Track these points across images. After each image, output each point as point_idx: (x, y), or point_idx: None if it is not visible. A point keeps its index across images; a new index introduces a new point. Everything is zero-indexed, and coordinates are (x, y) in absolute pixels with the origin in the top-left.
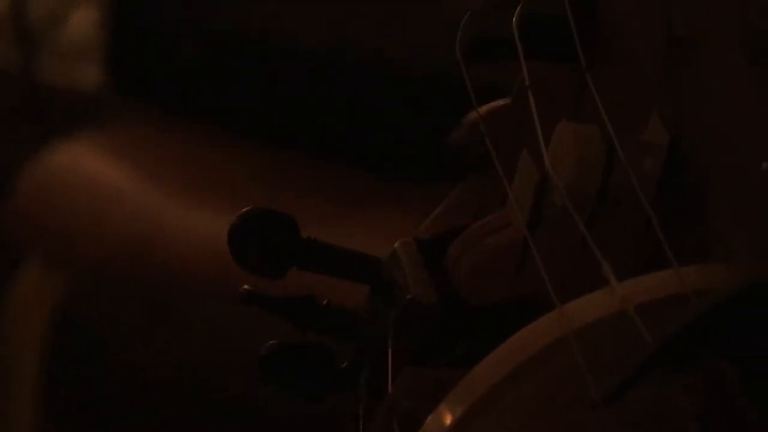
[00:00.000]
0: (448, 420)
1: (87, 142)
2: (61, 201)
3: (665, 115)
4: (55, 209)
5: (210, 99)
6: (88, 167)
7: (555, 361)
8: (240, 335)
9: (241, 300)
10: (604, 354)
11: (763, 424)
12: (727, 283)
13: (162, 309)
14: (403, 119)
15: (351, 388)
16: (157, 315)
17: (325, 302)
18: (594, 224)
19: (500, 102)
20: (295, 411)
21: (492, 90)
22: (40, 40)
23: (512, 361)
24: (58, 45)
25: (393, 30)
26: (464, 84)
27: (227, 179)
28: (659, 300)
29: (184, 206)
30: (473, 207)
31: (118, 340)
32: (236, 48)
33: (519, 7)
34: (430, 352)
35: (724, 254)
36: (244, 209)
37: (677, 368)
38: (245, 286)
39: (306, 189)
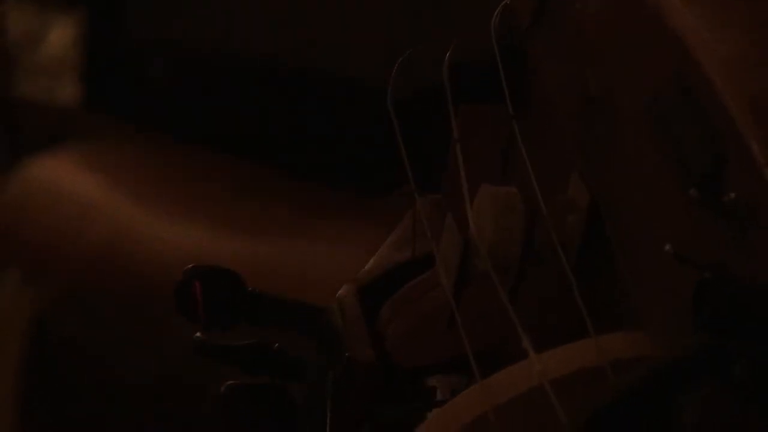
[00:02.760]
0: None
1: (63, 157)
2: (37, 215)
3: (585, 173)
4: (32, 223)
5: (183, 114)
6: (64, 181)
7: None
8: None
9: (193, 349)
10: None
11: None
12: (642, 352)
13: (138, 319)
14: (368, 134)
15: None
16: (134, 325)
17: (275, 347)
18: (518, 284)
19: None
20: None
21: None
22: (18, 58)
23: None
24: (35, 63)
25: (361, 48)
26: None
27: (200, 192)
28: (577, 373)
29: (158, 218)
30: (412, 241)
31: (96, 351)
32: (209, 64)
33: (448, 55)
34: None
35: (640, 321)
36: (189, 266)
37: None
38: (197, 335)
39: (275, 201)
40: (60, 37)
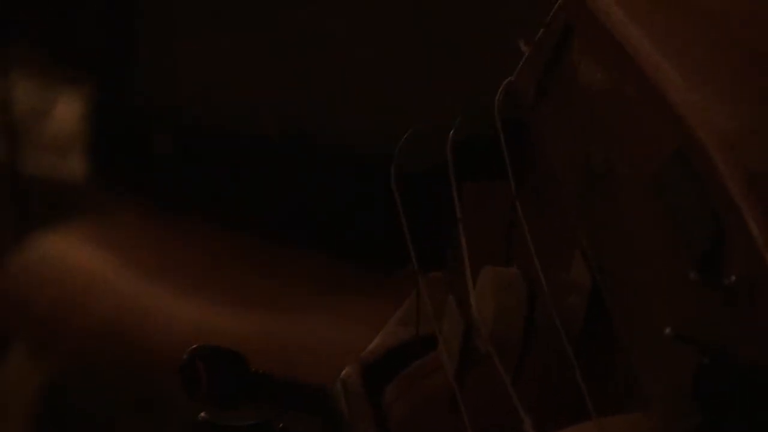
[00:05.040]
0: None
1: (70, 232)
2: (44, 288)
3: (588, 250)
4: (39, 296)
5: (190, 188)
6: (71, 256)
7: None
8: None
9: (197, 429)
10: None
11: None
12: None
13: (143, 394)
14: (376, 208)
15: None
16: (138, 399)
17: (279, 427)
18: (520, 365)
19: None
20: None
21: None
22: (25, 133)
23: None
24: (41, 137)
25: (368, 123)
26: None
27: (207, 267)
28: None
29: (165, 293)
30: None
31: (100, 425)
32: (216, 139)
33: (452, 132)
34: None
35: (643, 401)
36: (194, 346)
37: None
38: (202, 414)
39: (283, 277)
40: (66, 111)
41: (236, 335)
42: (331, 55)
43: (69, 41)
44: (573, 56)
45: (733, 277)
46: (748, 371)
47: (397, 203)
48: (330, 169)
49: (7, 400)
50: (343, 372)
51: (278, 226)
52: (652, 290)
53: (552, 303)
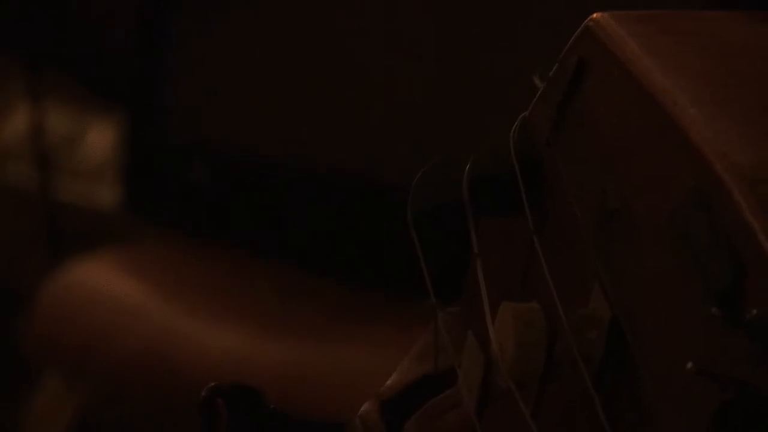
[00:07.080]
0: None
1: (103, 260)
2: (78, 317)
3: (606, 286)
4: (72, 325)
5: (221, 217)
6: (104, 284)
7: None
8: None
9: None
10: None
11: None
12: None
13: (178, 422)
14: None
15: None
16: (173, 428)
17: None
18: (540, 401)
19: None
20: None
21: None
22: (58, 162)
23: None
24: (75, 166)
25: (393, 153)
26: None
27: (239, 295)
28: None
29: (197, 321)
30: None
31: None
32: (247, 168)
33: (467, 168)
34: None
35: None
36: (212, 383)
37: None
38: None
39: (314, 305)
40: (99, 140)
41: (267, 363)
42: (358, 87)
43: (101, 69)
44: (587, 91)
45: (755, 311)
46: None
47: (414, 239)
48: (356, 197)
49: (42, 428)
50: (362, 408)
51: (308, 254)
52: (671, 325)
53: (572, 337)
